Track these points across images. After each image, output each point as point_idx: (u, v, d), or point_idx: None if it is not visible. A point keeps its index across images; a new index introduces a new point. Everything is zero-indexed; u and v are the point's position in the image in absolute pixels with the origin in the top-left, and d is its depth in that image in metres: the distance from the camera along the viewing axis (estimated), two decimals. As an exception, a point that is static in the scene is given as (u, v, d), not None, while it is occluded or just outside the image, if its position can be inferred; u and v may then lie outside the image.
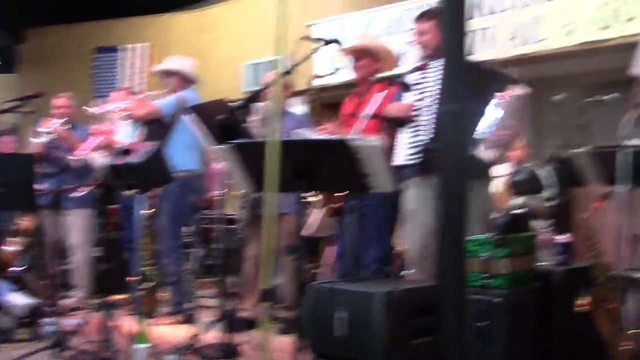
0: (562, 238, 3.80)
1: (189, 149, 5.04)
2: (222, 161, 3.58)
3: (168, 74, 5.35)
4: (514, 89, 3.43)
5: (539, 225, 5.07)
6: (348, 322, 2.90)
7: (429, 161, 3.41)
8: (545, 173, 5.46)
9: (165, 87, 5.44)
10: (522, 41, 6.87)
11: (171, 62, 5.49)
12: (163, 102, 5.16)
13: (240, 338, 3.75)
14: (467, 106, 2.57)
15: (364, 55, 4.19)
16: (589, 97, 5.98)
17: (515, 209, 3.72)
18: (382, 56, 4.23)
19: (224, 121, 3.41)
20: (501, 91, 3.43)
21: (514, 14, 6.94)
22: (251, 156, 3.02)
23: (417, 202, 3.63)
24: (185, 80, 5.28)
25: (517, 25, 6.91)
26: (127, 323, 3.83)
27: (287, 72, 4.10)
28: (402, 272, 4.71)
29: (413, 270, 3.71)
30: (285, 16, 2.49)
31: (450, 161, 2.62)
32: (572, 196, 6.10)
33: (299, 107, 5.55)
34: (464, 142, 2.61)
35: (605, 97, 5.17)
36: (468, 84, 2.59)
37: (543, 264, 3.75)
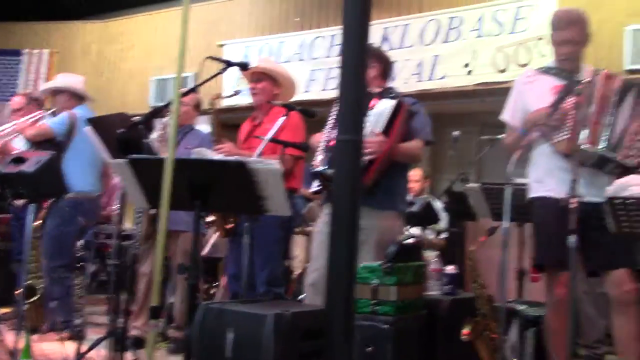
0: (450, 269, 3.94)
1: (84, 169, 4.93)
2: (118, 175, 3.51)
3: (56, 92, 5.23)
4: (382, 100, 3.55)
5: (430, 255, 5.23)
6: (237, 343, 2.89)
7: (327, 188, 3.47)
8: (440, 205, 5.65)
9: (55, 106, 5.31)
10: (424, 77, 7.11)
11: (59, 80, 5.37)
12: (54, 121, 5.02)
13: (128, 356, 3.66)
14: (361, 137, 2.65)
15: (263, 78, 4.23)
16: (484, 134, 6.28)
17: (407, 239, 3.82)
18: (281, 81, 4.28)
19: (124, 135, 3.35)
20: (370, 107, 3.54)
21: (418, 51, 7.18)
22: (147, 172, 2.98)
23: (321, 226, 3.70)
24: (75, 98, 5.16)
25: (420, 62, 7.15)
26: (11, 337, 3.67)
27: (192, 90, 4.10)
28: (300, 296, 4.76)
29: (308, 293, 3.75)
30: (187, 35, 2.50)
31: (343, 189, 2.69)
32: (464, 229, 6.35)
33: (205, 126, 5.53)
34: (357, 171, 2.69)
35: (500, 136, 5.44)
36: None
37: (431, 293, 3.87)
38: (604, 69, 3.36)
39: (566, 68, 3.38)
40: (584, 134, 3.13)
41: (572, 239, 2.97)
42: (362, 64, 2.77)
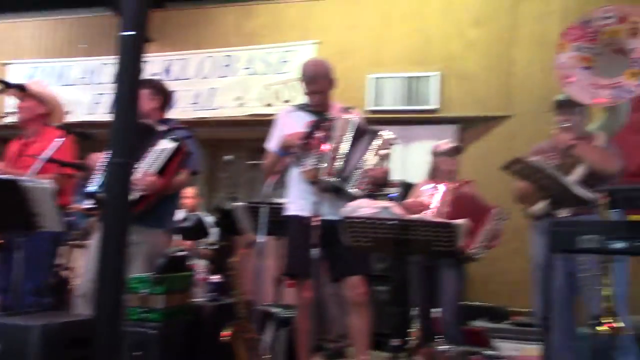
0: (215, 278, 3.98)
1: None
2: None
3: None
4: (162, 142, 3.54)
5: (201, 266, 5.24)
6: (3, 356, 2.68)
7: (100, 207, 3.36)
8: (211, 221, 5.69)
9: None
10: (201, 107, 7.14)
11: None
12: None
13: None
14: (132, 160, 2.62)
15: (28, 98, 3.98)
16: (253, 160, 6.45)
17: (176, 251, 3.80)
18: (46, 101, 4.05)
19: None
20: (152, 144, 3.51)
21: (196, 83, 7.20)
22: None
23: (95, 241, 3.55)
24: None
25: (198, 93, 7.17)
26: None
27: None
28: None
29: (79, 304, 3.58)
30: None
31: (114, 207, 2.63)
32: (232, 242, 6.43)
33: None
34: (127, 190, 2.65)
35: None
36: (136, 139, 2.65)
37: (197, 300, 3.89)
38: (349, 108, 3.63)
39: (317, 110, 3.61)
40: (324, 166, 3.37)
41: (315, 251, 3.16)
42: (134, 94, 2.75)
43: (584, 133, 3.64)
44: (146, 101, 3.68)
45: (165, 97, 3.88)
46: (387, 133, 3.55)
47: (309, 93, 3.61)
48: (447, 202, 3.82)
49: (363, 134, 3.50)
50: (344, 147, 3.43)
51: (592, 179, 3.43)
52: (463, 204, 3.84)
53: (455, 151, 4.38)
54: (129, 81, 2.69)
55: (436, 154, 4.31)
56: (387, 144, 3.52)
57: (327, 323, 4.43)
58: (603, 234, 2.13)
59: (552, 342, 3.42)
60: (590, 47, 3.66)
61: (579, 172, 3.47)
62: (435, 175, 4.33)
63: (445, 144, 4.36)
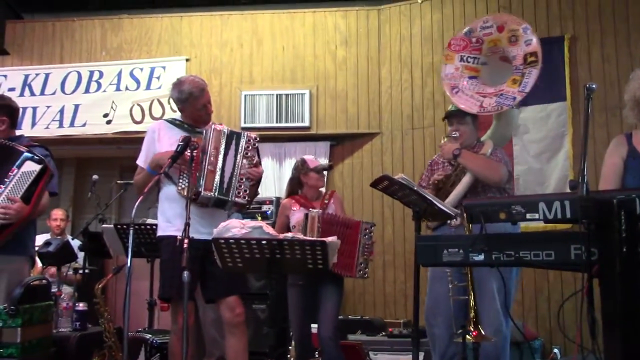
0: (80, 306, 3.75)
1: None
2: None
3: None
4: (28, 163, 3.27)
5: (66, 293, 4.93)
6: None
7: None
8: (77, 244, 5.37)
9: None
10: (66, 124, 6.75)
11: None
12: None
13: None
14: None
15: None
16: (123, 179, 6.18)
17: (36, 279, 3.52)
18: None
19: None
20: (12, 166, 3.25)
21: (60, 99, 6.80)
22: None
23: None
24: None
25: (62, 109, 6.79)
26: None
27: None
28: None
29: None
30: None
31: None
32: (102, 266, 6.13)
33: None
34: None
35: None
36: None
37: (61, 330, 3.65)
38: (218, 124, 3.55)
39: (191, 125, 3.51)
40: (201, 181, 3.30)
41: (186, 274, 3.03)
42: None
43: (473, 142, 3.72)
44: None
45: (12, 115, 3.54)
46: (250, 133, 3.54)
47: (199, 108, 3.51)
48: (319, 228, 3.83)
49: (231, 140, 3.46)
50: (220, 158, 3.39)
51: (481, 188, 3.53)
52: (331, 225, 3.88)
53: (324, 169, 4.42)
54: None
55: (304, 170, 4.30)
56: (253, 143, 3.49)
57: (204, 346, 4.31)
58: (464, 247, 2.20)
59: (436, 350, 3.51)
60: (476, 57, 3.80)
61: (465, 181, 3.55)
62: (298, 191, 4.34)
63: (314, 161, 4.36)
